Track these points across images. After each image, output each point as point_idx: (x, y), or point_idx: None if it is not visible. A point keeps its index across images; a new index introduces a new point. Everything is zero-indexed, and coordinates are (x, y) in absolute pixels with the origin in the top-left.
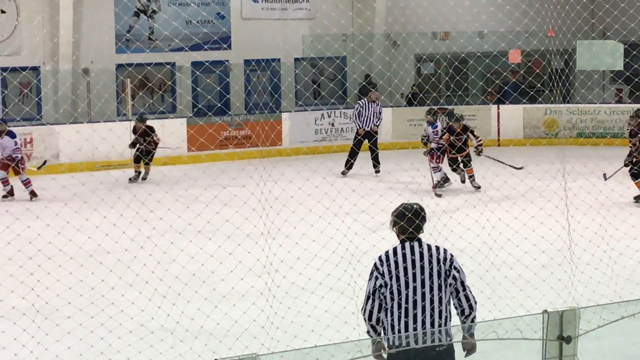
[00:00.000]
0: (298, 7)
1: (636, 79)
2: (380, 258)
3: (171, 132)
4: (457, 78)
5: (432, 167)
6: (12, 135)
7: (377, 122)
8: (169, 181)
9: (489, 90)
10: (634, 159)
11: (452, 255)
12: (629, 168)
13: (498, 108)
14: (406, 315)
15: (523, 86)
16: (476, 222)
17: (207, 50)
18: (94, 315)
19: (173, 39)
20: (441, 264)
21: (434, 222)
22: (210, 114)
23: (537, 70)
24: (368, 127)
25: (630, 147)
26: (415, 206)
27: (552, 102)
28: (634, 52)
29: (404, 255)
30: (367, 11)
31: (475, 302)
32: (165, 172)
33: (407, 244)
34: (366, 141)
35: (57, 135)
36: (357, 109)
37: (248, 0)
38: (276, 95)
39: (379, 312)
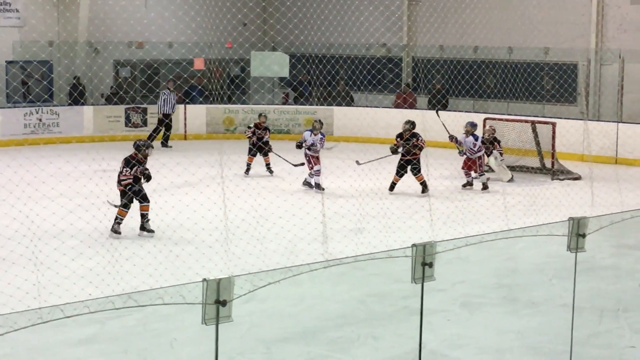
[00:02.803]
0: (7, 15)
1: (300, 88)
2: None
3: None
4: (152, 82)
5: (316, 171)
6: None
7: (174, 108)
8: None
9: (179, 94)
10: (413, 157)
11: None
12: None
13: (185, 108)
14: None
15: (211, 90)
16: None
17: None
18: None
19: None
20: None
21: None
22: None
23: (218, 76)
24: (169, 111)
25: (397, 145)
26: None
27: (231, 103)
28: (303, 63)
29: None
30: (73, 20)
31: None
32: None
33: None
34: None
35: None
36: (162, 97)
37: None
38: None
39: None
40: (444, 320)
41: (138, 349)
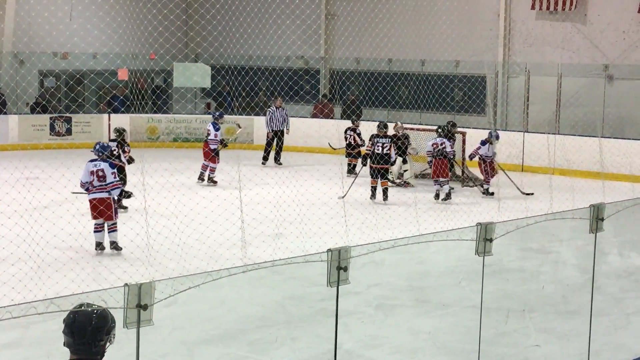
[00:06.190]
0: None
1: (220, 98)
2: None
3: None
4: (76, 91)
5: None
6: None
7: (284, 124)
8: None
9: (102, 103)
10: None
11: None
12: None
13: (109, 117)
14: None
15: (132, 100)
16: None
17: None
18: None
19: None
20: None
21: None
22: None
23: (141, 87)
24: (276, 128)
25: None
26: (85, 314)
27: (153, 113)
28: (223, 74)
29: None
30: None
31: None
32: None
33: None
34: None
35: None
36: (268, 114)
37: None
38: None
39: None
40: (358, 322)
41: (61, 352)
